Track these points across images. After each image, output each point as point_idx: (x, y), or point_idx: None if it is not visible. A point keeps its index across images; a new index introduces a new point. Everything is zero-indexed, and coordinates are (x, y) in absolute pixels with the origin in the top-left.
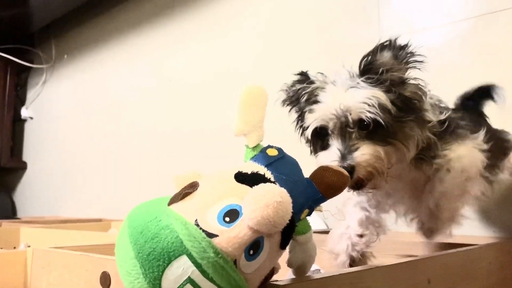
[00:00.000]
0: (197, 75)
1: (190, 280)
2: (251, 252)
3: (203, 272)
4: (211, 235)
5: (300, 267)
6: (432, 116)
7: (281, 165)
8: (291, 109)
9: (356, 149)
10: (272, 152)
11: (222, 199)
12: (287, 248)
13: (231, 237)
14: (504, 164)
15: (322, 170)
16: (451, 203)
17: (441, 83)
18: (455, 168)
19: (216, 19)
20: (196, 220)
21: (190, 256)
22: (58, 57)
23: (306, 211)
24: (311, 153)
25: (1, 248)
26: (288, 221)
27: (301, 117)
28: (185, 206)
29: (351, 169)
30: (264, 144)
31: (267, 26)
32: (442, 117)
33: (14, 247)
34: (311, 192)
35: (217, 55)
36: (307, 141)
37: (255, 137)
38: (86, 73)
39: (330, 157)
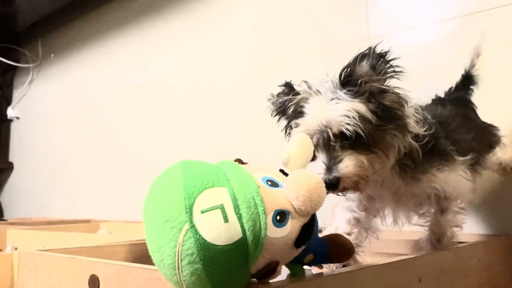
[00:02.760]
0: (186, 74)
1: (221, 207)
2: (278, 218)
3: (236, 207)
4: None
5: None
6: (415, 126)
7: None
8: (279, 119)
9: (340, 161)
10: None
11: (267, 173)
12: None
13: (269, 194)
14: (489, 159)
15: (334, 235)
16: (452, 227)
17: (430, 81)
18: (453, 196)
19: (206, 17)
20: None
21: (231, 191)
22: (45, 56)
23: (311, 256)
24: None
25: None
26: (317, 209)
27: (289, 127)
28: None
29: (336, 181)
30: None
31: (258, 23)
32: (424, 131)
33: (1, 250)
34: (321, 244)
35: (207, 53)
36: None
37: None
38: (73, 72)
39: (316, 169)
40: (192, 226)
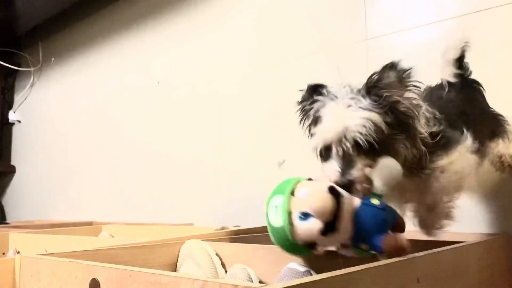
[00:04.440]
0: (186, 75)
1: (275, 206)
2: (302, 216)
3: (284, 203)
4: None
5: None
6: (425, 128)
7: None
8: (303, 125)
9: (354, 166)
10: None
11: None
12: None
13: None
14: (491, 148)
15: (391, 235)
16: (447, 198)
17: (427, 82)
18: (449, 169)
19: (206, 18)
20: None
21: (285, 198)
22: (45, 60)
23: (367, 246)
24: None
25: None
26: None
27: (309, 132)
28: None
29: (349, 184)
30: None
31: (258, 24)
32: (435, 129)
33: (3, 253)
34: (377, 237)
35: (207, 54)
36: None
37: None
38: (74, 75)
39: (332, 173)
40: (266, 212)
